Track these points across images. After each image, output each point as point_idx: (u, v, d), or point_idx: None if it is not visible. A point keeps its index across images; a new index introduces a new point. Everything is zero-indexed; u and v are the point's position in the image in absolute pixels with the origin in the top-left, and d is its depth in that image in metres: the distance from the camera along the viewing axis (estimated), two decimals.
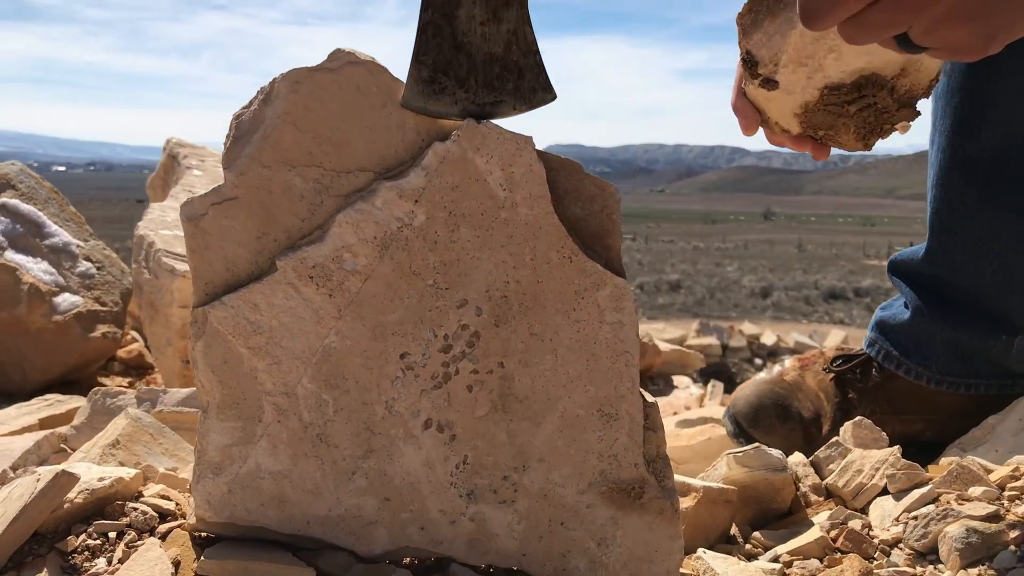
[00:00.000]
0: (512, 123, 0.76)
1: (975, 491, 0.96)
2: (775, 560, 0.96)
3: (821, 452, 1.15)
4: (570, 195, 0.78)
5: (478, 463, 0.78)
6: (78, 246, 2.23)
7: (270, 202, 0.74)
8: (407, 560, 0.81)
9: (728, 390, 4.48)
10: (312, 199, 0.75)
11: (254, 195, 0.74)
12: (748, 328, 5.08)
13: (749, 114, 1.02)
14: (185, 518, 0.82)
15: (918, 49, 0.76)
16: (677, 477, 1.04)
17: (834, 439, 1.16)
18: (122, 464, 1.01)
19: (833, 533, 0.98)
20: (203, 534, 0.78)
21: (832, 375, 1.37)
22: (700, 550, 0.92)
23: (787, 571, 0.93)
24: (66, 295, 2.09)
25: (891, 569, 0.87)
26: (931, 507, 0.95)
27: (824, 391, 1.37)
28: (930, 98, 1.23)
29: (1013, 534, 0.85)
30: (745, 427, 1.34)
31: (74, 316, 2.06)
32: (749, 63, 0.97)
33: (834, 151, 1.04)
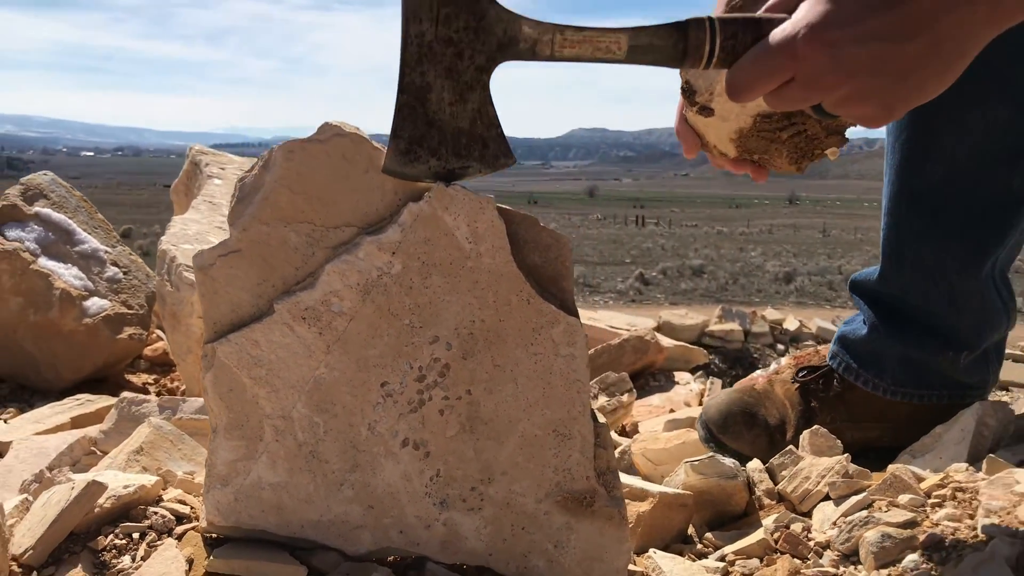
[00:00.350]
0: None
1: (903, 498, 1.07)
2: (721, 559, 1.08)
3: (775, 459, 1.26)
4: (529, 245, 0.90)
5: (449, 476, 0.90)
6: (106, 252, 2.37)
7: (269, 254, 0.87)
8: (389, 559, 0.93)
9: (747, 375, 4.55)
10: (305, 251, 0.87)
11: (255, 248, 0.86)
12: (771, 314, 5.11)
13: (689, 138, 1.13)
14: (198, 521, 0.95)
15: (832, 116, 0.88)
16: (636, 483, 1.16)
17: (788, 448, 1.28)
18: (145, 469, 1.15)
19: (776, 535, 1.09)
20: (213, 536, 0.91)
21: (797, 385, 1.49)
22: (651, 550, 1.04)
23: (730, 569, 1.05)
24: (95, 299, 2.24)
25: (816, 569, 0.99)
26: (861, 513, 1.06)
27: (789, 399, 1.48)
28: (885, 130, 1.34)
29: (923, 538, 0.96)
30: (715, 433, 1.46)
31: (103, 319, 2.20)
32: (687, 92, 1.08)
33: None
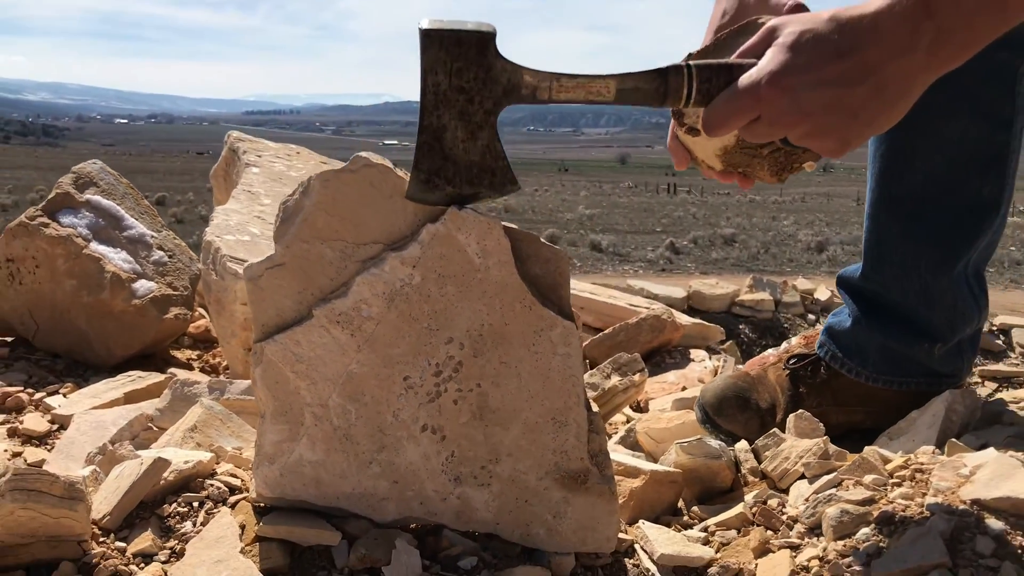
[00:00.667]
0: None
1: (868, 478, 1.21)
2: (704, 530, 1.22)
3: (760, 441, 1.40)
4: (530, 258, 1.04)
5: (462, 456, 1.05)
6: (152, 236, 2.54)
7: (308, 267, 1.01)
8: (411, 526, 1.09)
9: (777, 345, 4.65)
10: (339, 264, 1.02)
11: (296, 262, 1.01)
12: (802, 283, 5.15)
13: (680, 153, 1.25)
14: (248, 492, 1.11)
15: (800, 148, 1.01)
16: (631, 460, 1.31)
17: (773, 430, 1.41)
18: (199, 445, 1.31)
19: (754, 509, 1.23)
20: (261, 505, 1.07)
21: (788, 371, 1.62)
22: (641, 521, 1.19)
23: (711, 539, 1.19)
24: (143, 281, 2.40)
25: (784, 540, 1.13)
26: (830, 491, 1.20)
27: (780, 385, 1.62)
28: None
29: (876, 514, 1.10)
30: (711, 415, 1.60)
31: (150, 300, 2.37)
32: (677, 115, 1.20)
33: None
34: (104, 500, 1.07)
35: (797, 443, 1.36)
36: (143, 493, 1.07)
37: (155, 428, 1.52)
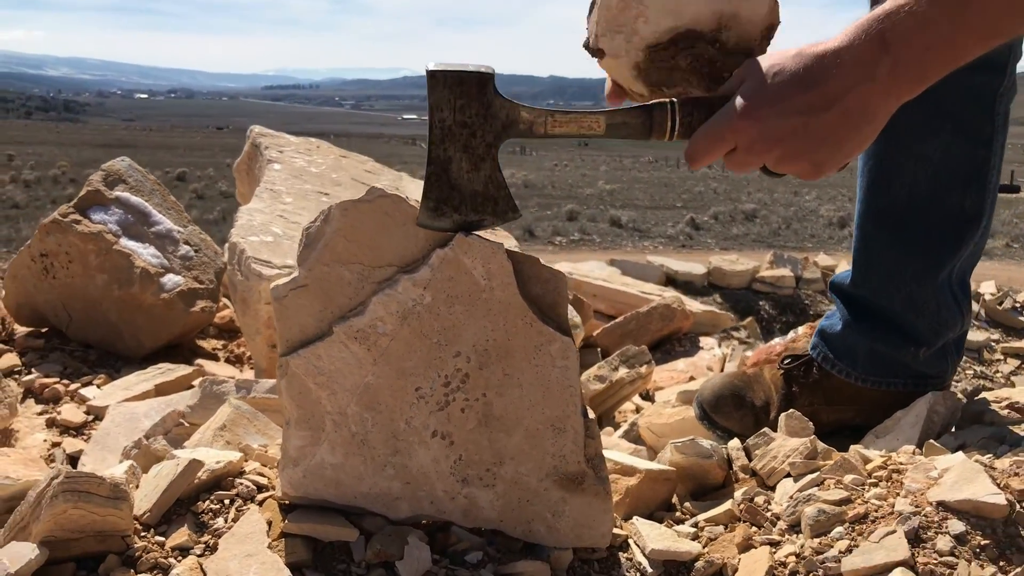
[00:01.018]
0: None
1: (847, 478, 1.30)
2: (694, 525, 1.32)
3: (751, 440, 1.49)
4: (531, 279, 1.13)
5: (469, 460, 1.15)
6: (179, 232, 2.64)
7: (329, 288, 1.11)
8: (423, 523, 1.19)
9: (798, 323, 4.70)
10: (356, 286, 1.11)
11: (318, 284, 1.11)
12: (823, 259, 5.20)
13: (610, 88, 1.30)
14: (274, 490, 1.21)
15: (778, 175, 1.10)
16: (626, 459, 1.40)
17: (763, 429, 1.50)
18: (228, 443, 1.41)
19: (741, 506, 1.33)
20: (286, 503, 1.17)
21: (782, 371, 1.71)
22: (635, 517, 1.28)
23: (700, 534, 1.29)
24: (170, 275, 2.52)
25: (765, 536, 1.23)
26: (812, 489, 1.29)
27: (775, 383, 1.71)
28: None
29: (851, 513, 1.19)
30: (708, 412, 1.69)
31: (177, 294, 2.48)
32: (585, 45, 1.24)
33: None
34: (145, 497, 1.17)
35: (786, 442, 1.45)
36: (179, 491, 1.17)
37: (187, 424, 1.62)
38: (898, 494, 1.22)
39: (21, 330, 2.56)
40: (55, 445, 1.92)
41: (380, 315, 1.11)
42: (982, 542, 1.10)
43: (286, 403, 1.13)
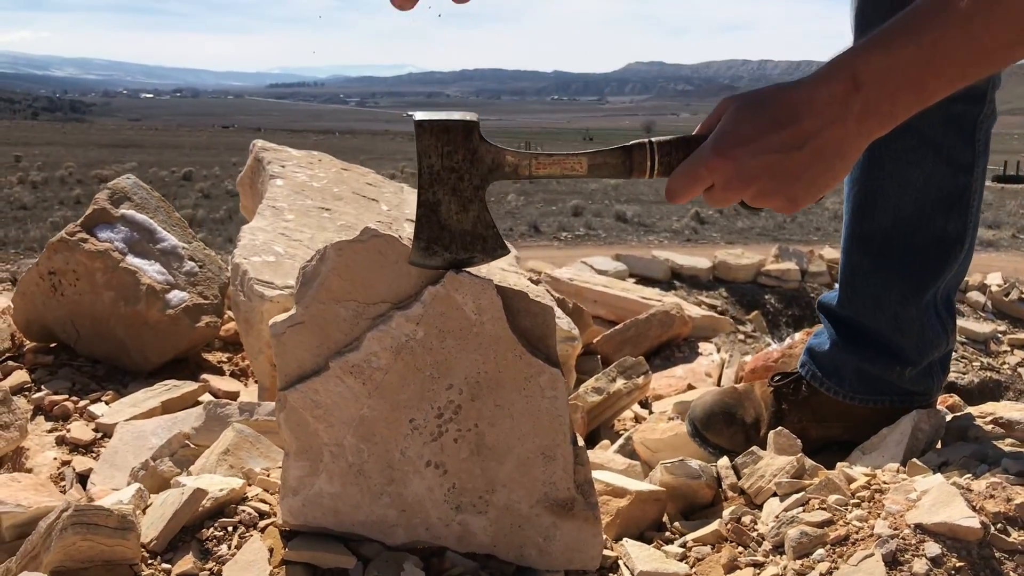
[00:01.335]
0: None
1: (831, 498, 1.34)
2: (683, 545, 1.36)
3: (739, 459, 1.53)
4: (521, 313, 1.18)
5: (462, 488, 1.20)
6: (183, 248, 2.69)
7: (325, 325, 1.15)
8: (419, 548, 1.23)
9: (803, 316, 4.71)
10: (351, 322, 1.16)
11: (314, 321, 1.15)
12: (828, 252, 5.22)
13: None
14: (275, 517, 1.26)
15: (757, 209, 1.14)
16: (617, 481, 1.44)
17: (752, 448, 1.55)
18: (231, 467, 1.46)
19: (728, 526, 1.37)
20: (287, 530, 1.22)
21: (772, 388, 1.75)
22: (624, 539, 1.33)
23: (688, 554, 1.33)
24: (176, 291, 2.56)
25: (750, 558, 1.27)
26: (796, 510, 1.33)
27: (765, 401, 1.75)
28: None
29: (832, 535, 1.23)
30: (699, 429, 1.73)
31: (183, 310, 2.53)
32: None
33: None
34: (151, 525, 1.22)
35: (773, 460, 1.49)
36: (185, 520, 1.22)
37: (192, 445, 1.67)
38: (879, 515, 1.26)
39: (30, 345, 2.61)
40: (65, 464, 1.97)
41: (374, 350, 1.15)
42: (957, 564, 1.14)
43: (285, 435, 1.18)
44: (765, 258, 5.02)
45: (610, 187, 23.84)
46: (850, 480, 1.40)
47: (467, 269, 1.15)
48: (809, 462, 1.48)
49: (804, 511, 1.31)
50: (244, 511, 1.26)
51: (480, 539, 1.22)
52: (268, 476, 1.38)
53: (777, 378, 1.76)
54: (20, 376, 2.38)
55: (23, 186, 22.16)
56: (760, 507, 1.43)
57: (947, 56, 0.98)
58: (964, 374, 3.95)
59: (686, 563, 1.30)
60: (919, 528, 1.19)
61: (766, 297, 4.81)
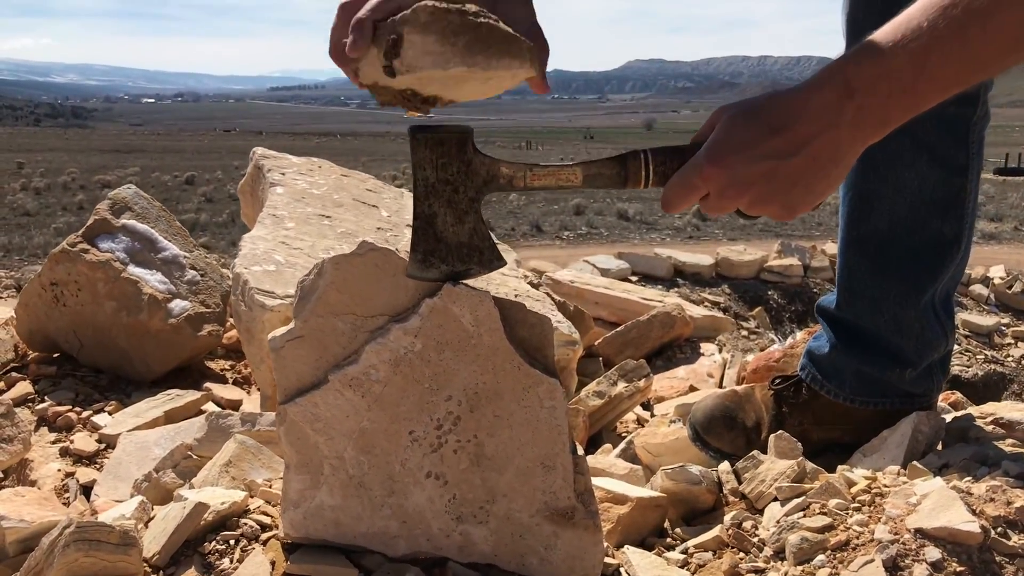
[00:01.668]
0: None
1: (832, 503, 1.34)
2: (684, 552, 1.36)
3: (740, 464, 1.53)
4: (518, 323, 1.18)
5: (463, 498, 1.20)
6: (185, 257, 2.70)
7: (323, 338, 1.16)
8: (421, 559, 1.24)
9: (807, 312, 4.71)
10: (350, 335, 1.16)
11: (313, 334, 1.16)
12: (831, 248, 5.22)
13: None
14: (277, 529, 1.26)
15: (753, 217, 1.14)
16: (618, 487, 1.45)
17: (752, 452, 1.55)
18: (234, 479, 1.46)
19: (729, 531, 1.37)
20: (288, 543, 1.22)
21: (772, 391, 1.75)
22: (626, 547, 1.33)
23: (689, 560, 1.33)
24: (177, 301, 2.57)
25: (751, 564, 1.27)
26: (796, 515, 1.33)
27: (766, 404, 1.75)
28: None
29: (833, 541, 1.23)
30: (700, 433, 1.73)
31: (185, 319, 2.53)
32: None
33: None
34: (153, 540, 1.22)
35: (774, 464, 1.49)
36: (186, 534, 1.22)
37: (194, 457, 1.67)
38: (879, 519, 1.26)
39: (33, 355, 2.62)
40: (69, 475, 1.97)
41: (373, 363, 1.15)
42: (958, 569, 1.14)
43: (286, 449, 1.18)
44: (768, 254, 5.03)
45: None
46: (850, 484, 1.40)
47: (464, 281, 1.15)
48: (810, 465, 1.48)
49: (804, 516, 1.32)
50: (246, 524, 1.26)
51: (481, 549, 1.22)
52: (270, 487, 1.39)
53: (777, 381, 1.76)
54: (24, 387, 2.39)
55: (26, 193, 22.21)
56: (761, 512, 1.43)
57: (940, 64, 0.98)
58: (968, 367, 3.95)
59: (687, 569, 1.30)
60: (919, 533, 1.19)
61: (769, 293, 4.81)
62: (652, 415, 2.51)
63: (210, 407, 2.28)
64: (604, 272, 4.37)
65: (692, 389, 2.80)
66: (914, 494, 1.28)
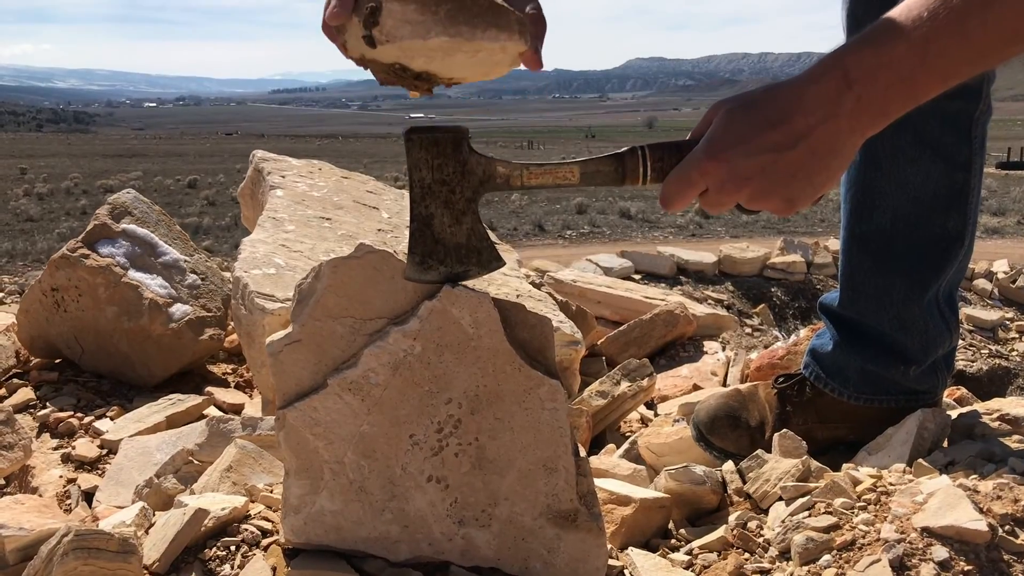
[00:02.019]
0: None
1: (837, 502, 1.33)
2: (689, 553, 1.35)
3: (744, 463, 1.52)
4: (519, 325, 1.17)
5: (464, 502, 1.19)
6: (185, 261, 2.69)
7: (322, 342, 1.15)
8: (423, 563, 1.23)
9: (810, 309, 4.70)
10: (349, 339, 1.15)
11: (312, 338, 1.15)
12: (833, 244, 5.20)
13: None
14: (278, 535, 1.25)
15: (753, 212, 1.12)
16: (622, 489, 1.43)
17: (756, 452, 1.54)
18: (234, 484, 1.45)
19: (734, 532, 1.36)
20: (289, 548, 1.21)
21: (776, 390, 1.74)
22: (630, 548, 1.32)
23: (693, 562, 1.32)
24: (178, 305, 2.56)
25: (756, 564, 1.26)
26: (802, 514, 1.32)
27: (769, 403, 1.74)
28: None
29: (839, 540, 1.22)
30: (704, 433, 1.72)
31: (186, 323, 2.53)
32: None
33: None
34: (153, 547, 1.22)
35: (779, 464, 1.48)
36: (187, 540, 1.21)
37: (195, 462, 1.67)
38: (885, 519, 1.25)
39: (35, 361, 2.61)
40: (71, 481, 1.97)
41: (372, 366, 1.14)
42: (965, 568, 1.13)
43: (285, 454, 1.17)
44: (770, 251, 5.01)
45: None
46: (856, 482, 1.38)
47: (463, 283, 1.14)
48: (815, 464, 1.47)
49: (810, 516, 1.30)
50: (246, 530, 1.25)
51: (484, 553, 1.21)
52: (271, 492, 1.38)
53: (781, 380, 1.75)
54: (25, 393, 2.38)
55: (29, 198, 22.24)
56: (766, 511, 1.42)
57: (939, 54, 0.97)
58: (973, 362, 3.94)
59: (692, 571, 1.29)
60: (926, 532, 1.18)
61: (772, 290, 4.80)
62: (656, 414, 2.50)
63: (212, 411, 2.27)
64: (607, 271, 4.36)
65: (696, 387, 2.78)
66: (920, 492, 1.26)
